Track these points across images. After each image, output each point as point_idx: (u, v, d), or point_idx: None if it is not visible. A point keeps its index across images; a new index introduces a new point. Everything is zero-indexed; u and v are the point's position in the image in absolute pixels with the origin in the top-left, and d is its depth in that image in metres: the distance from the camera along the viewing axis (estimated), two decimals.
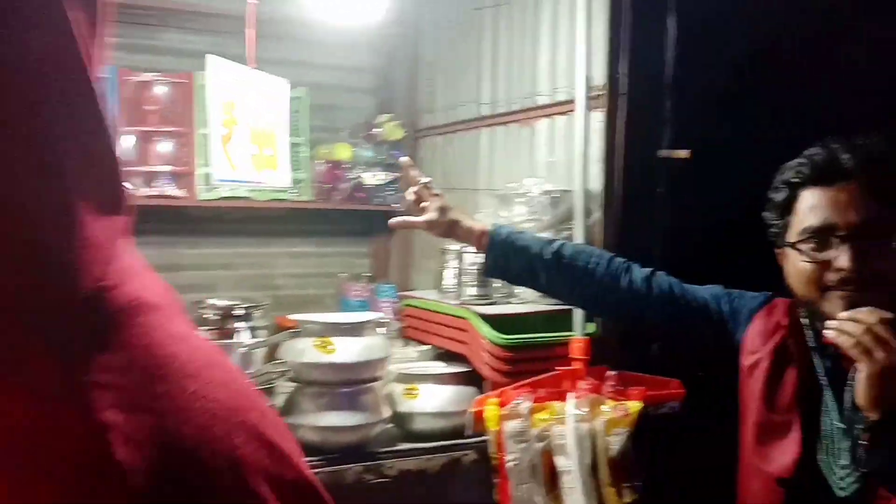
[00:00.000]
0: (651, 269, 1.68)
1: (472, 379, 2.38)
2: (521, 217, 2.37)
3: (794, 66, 2.45)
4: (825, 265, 1.32)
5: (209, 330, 2.04)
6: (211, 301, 2.12)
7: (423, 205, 1.76)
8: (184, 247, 3.29)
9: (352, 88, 3.57)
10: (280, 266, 3.47)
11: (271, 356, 2.19)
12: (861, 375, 1.18)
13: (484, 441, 2.13)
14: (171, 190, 3.03)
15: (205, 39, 3.17)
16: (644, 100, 2.33)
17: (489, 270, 1.77)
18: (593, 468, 2.03)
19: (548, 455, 2.06)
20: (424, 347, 2.62)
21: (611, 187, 2.35)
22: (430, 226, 1.74)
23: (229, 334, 2.04)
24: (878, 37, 2.41)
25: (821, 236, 1.33)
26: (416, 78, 3.56)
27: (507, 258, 1.72)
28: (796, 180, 1.39)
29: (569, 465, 2.03)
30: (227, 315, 2.05)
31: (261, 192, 3.05)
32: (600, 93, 2.35)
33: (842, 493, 1.31)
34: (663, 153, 2.39)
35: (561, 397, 2.12)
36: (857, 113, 2.20)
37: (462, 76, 3.19)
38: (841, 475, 1.32)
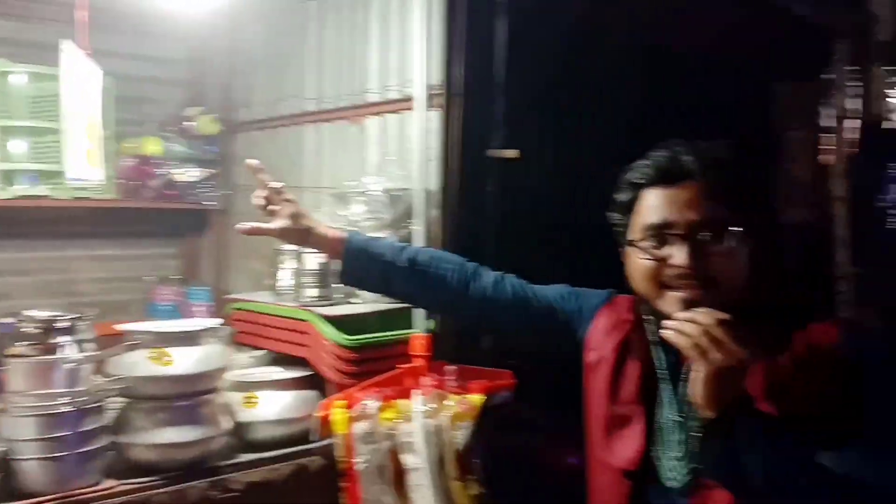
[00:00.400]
0: (501, 272, 1.70)
1: (313, 383, 2.32)
2: (359, 216, 2.34)
3: (623, 67, 2.61)
4: (663, 263, 1.35)
5: (29, 345, 1.80)
6: (28, 313, 1.87)
7: (271, 208, 1.65)
8: None
9: (160, 79, 3.33)
10: (81, 270, 3.18)
11: (97, 371, 1.99)
12: (697, 376, 1.20)
13: (329, 445, 2.09)
14: None
15: None
16: (478, 99, 2.39)
17: (344, 278, 1.71)
18: (440, 463, 2.06)
19: (395, 454, 2.06)
20: (259, 353, 2.50)
21: (447, 186, 2.39)
22: (282, 233, 1.63)
23: (52, 349, 1.81)
24: (709, 35, 2.60)
25: (660, 234, 1.36)
26: (231, 70, 3.39)
27: (362, 266, 1.66)
28: (640, 181, 1.42)
29: (416, 462, 2.04)
30: (48, 328, 1.82)
31: (60, 189, 2.75)
32: (436, 92, 2.38)
33: (673, 484, 1.36)
34: (493, 152, 2.47)
35: (405, 395, 2.13)
36: (689, 112, 2.38)
37: (284, 70, 3.08)
38: (671, 466, 1.37)
